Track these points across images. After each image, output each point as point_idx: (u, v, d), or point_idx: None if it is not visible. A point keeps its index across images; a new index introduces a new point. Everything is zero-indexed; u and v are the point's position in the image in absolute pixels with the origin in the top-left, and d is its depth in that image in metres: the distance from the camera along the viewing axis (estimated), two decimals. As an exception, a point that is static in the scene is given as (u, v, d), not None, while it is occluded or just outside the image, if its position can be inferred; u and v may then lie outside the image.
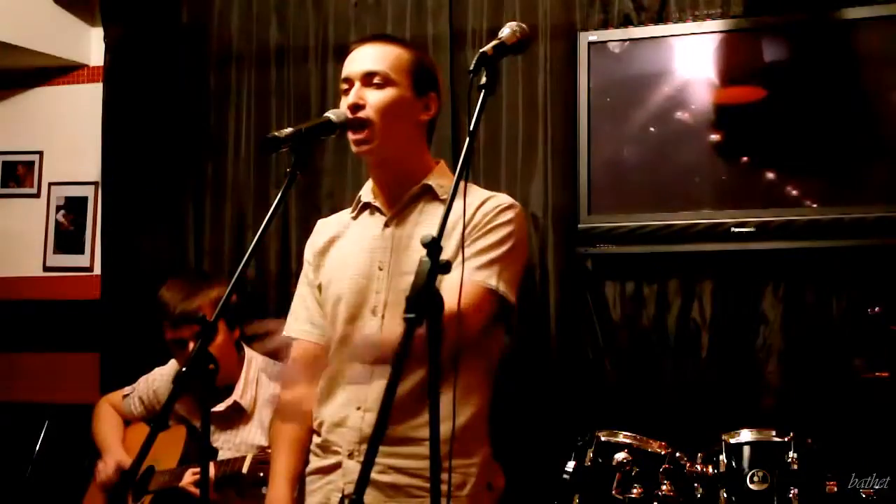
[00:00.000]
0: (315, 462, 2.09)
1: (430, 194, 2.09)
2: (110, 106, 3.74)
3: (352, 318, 2.06)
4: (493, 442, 2.09)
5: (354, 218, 2.18)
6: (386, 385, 1.44)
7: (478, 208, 2.01)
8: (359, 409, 2.01)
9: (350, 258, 2.11)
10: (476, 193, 2.07)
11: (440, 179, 2.10)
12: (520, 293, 2.05)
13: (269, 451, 2.29)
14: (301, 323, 2.20)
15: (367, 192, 2.17)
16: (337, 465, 2.03)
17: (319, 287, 2.16)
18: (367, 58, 2.05)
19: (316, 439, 2.10)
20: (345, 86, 2.06)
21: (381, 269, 2.05)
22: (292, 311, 2.23)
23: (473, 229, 1.99)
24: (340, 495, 2.00)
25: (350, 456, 2.00)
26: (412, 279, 1.96)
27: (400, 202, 2.09)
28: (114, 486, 2.82)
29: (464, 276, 1.79)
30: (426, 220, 2.06)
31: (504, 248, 1.99)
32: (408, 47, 2.11)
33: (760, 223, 2.95)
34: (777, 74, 3.04)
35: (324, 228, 2.24)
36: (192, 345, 2.68)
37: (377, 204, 2.13)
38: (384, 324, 2.01)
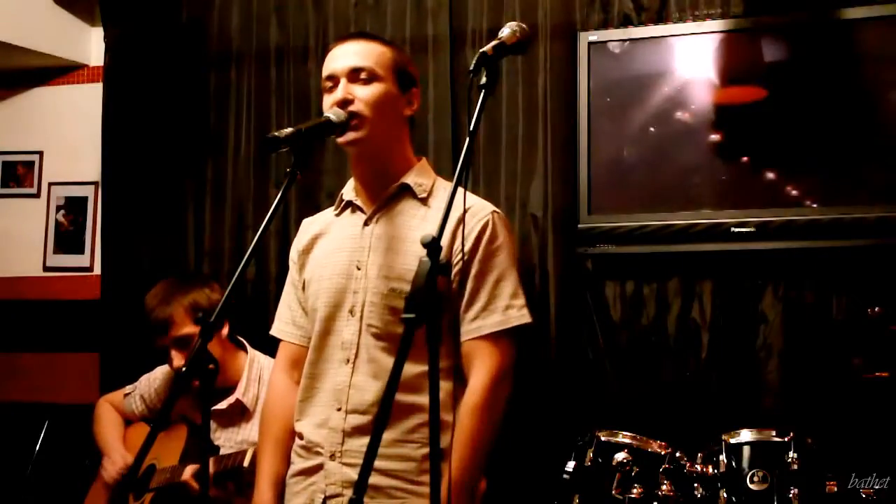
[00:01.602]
0: (298, 464, 2.09)
1: (408, 193, 2.10)
2: (110, 106, 3.74)
3: (330, 317, 2.06)
4: (493, 442, 2.08)
5: (337, 216, 2.18)
6: (386, 387, 1.43)
7: (458, 225, 1.99)
8: (339, 409, 2.01)
9: (330, 257, 2.12)
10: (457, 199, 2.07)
11: (419, 178, 2.11)
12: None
13: None
14: (284, 324, 2.22)
15: (349, 190, 2.17)
16: (319, 467, 2.02)
17: (304, 286, 2.17)
18: (351, 54, 2.05)
19: (298, 441, 2.10)
20: (328, 83, 2.06)
21: (359, 269, 2.05)
22: (277, 312, 2.25)
23: (464, 256, 2.00)
24: (323, 497, 2.00)
25: (332, 457, 2.00)
26: (389, 282, 1.99)
27: (379, 201, 2.10)
28: (122, 481, 2.82)
29: (478, 328, 1.97)
30: (404, 220, 2.06)
31: (506, 280, 2.03)
32: (388, 45, 2.13)
33: (760, 223, 2.95)
34: (777, 74, 3.04)
35: (308, 227, 2.25)
36: (173, 352, 2.70)
37: (358, 202, 2.13)
38: (362, 324, 2.02)
